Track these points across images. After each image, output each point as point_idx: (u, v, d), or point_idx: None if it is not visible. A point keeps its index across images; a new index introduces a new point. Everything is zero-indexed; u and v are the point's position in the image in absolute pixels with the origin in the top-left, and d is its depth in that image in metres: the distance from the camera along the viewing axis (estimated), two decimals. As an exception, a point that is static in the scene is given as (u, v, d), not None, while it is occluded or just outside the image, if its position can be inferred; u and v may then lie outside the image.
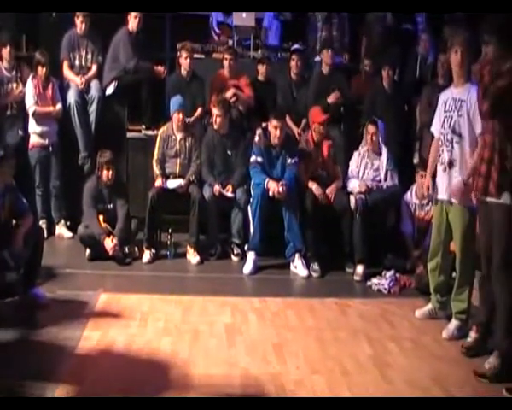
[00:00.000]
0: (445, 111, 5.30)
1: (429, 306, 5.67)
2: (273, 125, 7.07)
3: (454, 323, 5.32)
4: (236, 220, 7.14)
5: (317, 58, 9.04)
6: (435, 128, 5.46)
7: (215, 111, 7.30)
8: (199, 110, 7.97)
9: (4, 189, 5.43)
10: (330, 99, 7.94)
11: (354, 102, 8.42)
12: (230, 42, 9.56)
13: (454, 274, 5.49)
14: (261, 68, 8.36)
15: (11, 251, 5.29)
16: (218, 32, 9.83)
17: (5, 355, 4.56)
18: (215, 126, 7.33)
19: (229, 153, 7.37)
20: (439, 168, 5.35)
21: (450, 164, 5.21)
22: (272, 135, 7.09)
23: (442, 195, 5.32)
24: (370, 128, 7.20)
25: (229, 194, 7.08)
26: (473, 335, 5.03)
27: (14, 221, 5.56)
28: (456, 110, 5.17)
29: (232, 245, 7.17)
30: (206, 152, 7.33)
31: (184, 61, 7.96)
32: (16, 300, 5.30)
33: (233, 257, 7.12)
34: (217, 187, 7.07)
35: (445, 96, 5.35)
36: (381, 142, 7.24)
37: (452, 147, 5.19)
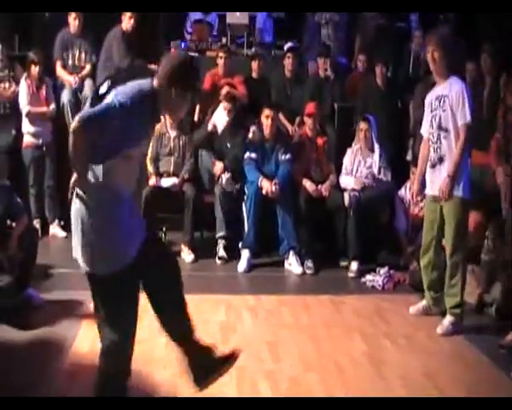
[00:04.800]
0: (431, 111, 5.37)
1: (423, 302, 5.68)
2: (265, 115, 7.11)
3: (448, 318, 5.33)
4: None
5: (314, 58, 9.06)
6: (424, 129, 5.50)
7: (224, 104, 7.39)
8: (197, 108, 7.98)
9: (-1, 189, 5.44)
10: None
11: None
12: (224, 40, 9.57)
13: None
14: (254, 65, 8.36)
15: (6, 253, 5.30)
16: (189, 31, 9.83)
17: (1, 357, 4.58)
18: (225, 119, 7.39)
19: (228, 145, 7.40)
20: (430, 165, 5.38)
21: (441, 160, 5.25)
22: (264, 125, 7.12)
23: (434, 191, 5.34)
24: (362, 125, 7.21)
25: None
26: None
27: (8, 222, 5.56)
28: (440, 107, 5.25)
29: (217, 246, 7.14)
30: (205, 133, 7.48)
31: None
32: (10, 301, 5.27)
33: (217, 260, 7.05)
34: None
35: (430, 97, 5.43)
36: (374, 138, 7.24)
37: (440, 143, 5.25)
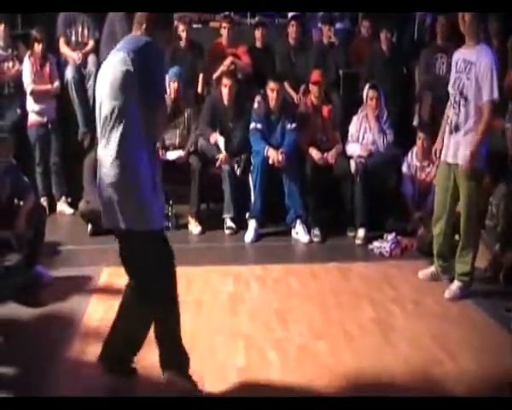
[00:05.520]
0: (456, 71, 5.22)
1: (432, 268, 5.68)
2: (270, 88, 7.07)
3: (457, 284, 5.34)
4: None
5: (318, 25, 8.98)
6: (449, 88, 5.35)
7: (225, 81, 7.29)
8: (201, 77, 7.96)
9: (5, 168, 5.45)
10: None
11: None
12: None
13: (457, 237, 5.51)
14: (258, 34, 8.31)
15: (15, 232, 5.33)
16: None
17: (11, 334, 4.63)
18: (225, 96, 7.28)
19: (230, 125, 7.34)
20: (446, 130, 5.30)
21: (457, 127, 5.17)
22: (269, 98, 7.08)
23: (449, 158, 5.27)
24: (372, 93, 7.12)
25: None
26: None
27: (16, 201, 5.59)
28: (465, 72, 5.10)
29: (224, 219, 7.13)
30: (208, 114, 7.31)
31: (182, 34, 7.91)
32: (20, 279, 5.32)
33: (225, 231, 7.07)
34: (214, 135, 7.13)
35: (457, 57, 5.26)
36: (383, 106, 7.19)
37: (459, 110, 5.15)
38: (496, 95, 4.98)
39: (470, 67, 5.05)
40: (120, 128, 3.41)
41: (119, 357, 3.92)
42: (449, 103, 5.34)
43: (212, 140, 7.18)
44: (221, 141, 7.16)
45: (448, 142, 5.28)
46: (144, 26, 3.57)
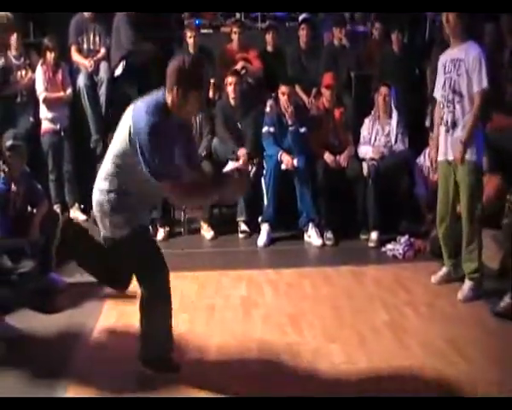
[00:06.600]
0: (444, 73, 5.28)
1: (443, 269, 5.65)
2: (281, 92, 7.06)
3: (468, 284, 5.31)
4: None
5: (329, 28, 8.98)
6: (437, 92, 5.43)
7: (229, 79, 7.31)
8: (211, 82, 7.98)
9: (19, 176, 5.50)
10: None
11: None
12: (238, 14, 9.53)
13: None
14: (269, 38, 8.31)
15: (29, 239, 5.37)
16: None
17: (26, 340, 4.65)
18: (230, 95, 7.30)
19: (239, 125, 7.35)
20: (442, 130, 5.32)
21: (454, 125, 5.19)
22: (280, 102, 7.08)
23: (449, 155, 5.28)
24: (383, 90, 7.14)
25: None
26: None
27: (29, 208, 5.63)
28: (455, 70, 5.16)
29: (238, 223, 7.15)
30: (221, 118, 7.31)
31: (190, 40, 7.92)
32: (34, 286, 5.32)
33: (240, 235, 7.11)
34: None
35: (444, 59, 5.32)
36: (393, 105, 7.18)
37: (454, 107, 5.18)
38: (485, 84, 5.02)
39: (459, 63, 5.11)
40: (115, 174, 3.77)
41: (157, 356, 3.98)
42: (440, 106, 5.36)
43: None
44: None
45: (445, 140, 5.29)
46: (169, 86, 3.64)
